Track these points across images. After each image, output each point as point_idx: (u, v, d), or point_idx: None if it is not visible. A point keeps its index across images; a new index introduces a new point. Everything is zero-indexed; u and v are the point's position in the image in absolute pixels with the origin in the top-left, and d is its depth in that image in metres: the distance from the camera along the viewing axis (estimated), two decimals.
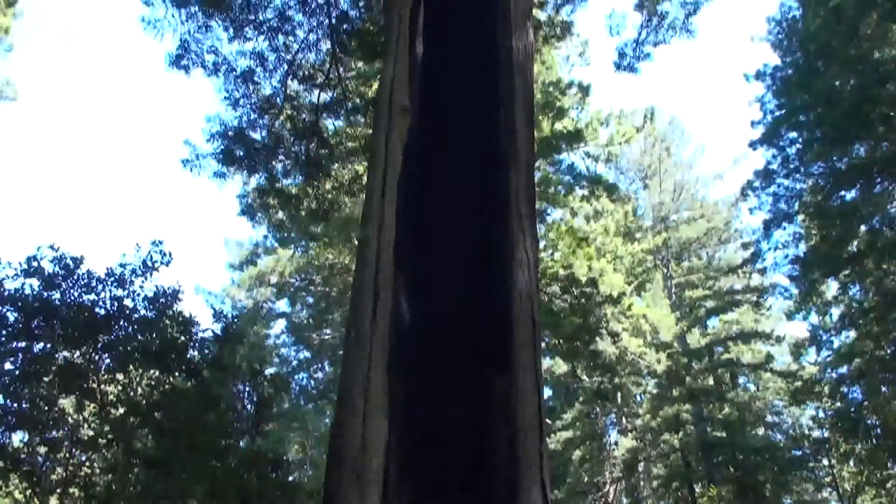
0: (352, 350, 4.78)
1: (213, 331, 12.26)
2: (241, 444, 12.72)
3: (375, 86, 13.49)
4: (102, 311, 11.06)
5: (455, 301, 4.93)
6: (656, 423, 31.70)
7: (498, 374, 4.60)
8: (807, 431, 34.09)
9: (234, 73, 13.85)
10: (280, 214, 17.83)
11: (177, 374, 11.52)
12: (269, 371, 17.12)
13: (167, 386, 11.47)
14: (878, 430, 25.98)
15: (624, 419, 34.93)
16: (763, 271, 28.50)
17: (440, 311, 4.91)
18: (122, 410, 11.35)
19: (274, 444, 18.57)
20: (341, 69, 14.16)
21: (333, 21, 13.37)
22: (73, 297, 10.94)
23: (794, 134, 24.06)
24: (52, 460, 11.30)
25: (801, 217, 24.68)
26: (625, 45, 14.42)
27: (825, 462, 32.05)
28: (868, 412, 25.49)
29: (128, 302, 11.29)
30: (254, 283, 32.47)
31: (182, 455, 10.29)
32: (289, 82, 14.38)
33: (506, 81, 5.92)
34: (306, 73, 14.36)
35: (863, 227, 22.62)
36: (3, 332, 10.47)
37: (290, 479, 15.42)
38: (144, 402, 11.27)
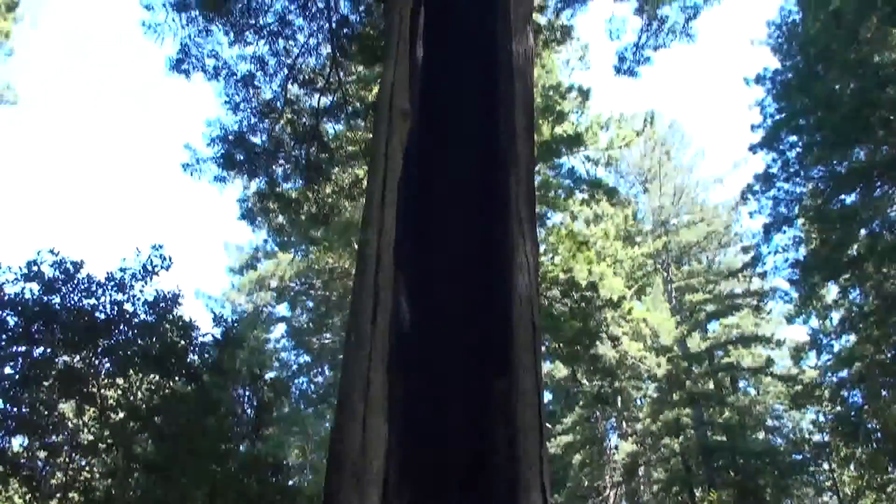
0: (352, 353, 4.77)
1: (213, 335, 12.28)
2: (241, 448, 12.71)
3: (375, 89, 13.51)
4: (102, 316, 11.08)
5: (455, 304, 4.93)
6: (656, 427, 31.68)
7: (498, 377, 4.60)
8: (807, 435, 34.03)
9: (235, 77, 13.88)
10: (280, 218, 17.84)
11: (177, 378, 11.52)
12: (269, 375, 17.10)
13: (167, 390, 11.47)
14: (879, 434, 25.95)
15: (624, 423, 34.89)
16: (763, 275, 28.56)
17: (440, 315, 4.90)
18: (121, 415, 11.36)
19: (274, 448, 18.55)
20: (341, 73, 14.18)
21: (334, 25, 13.38)
22: (73, 302, 10.96)
23: (794, 137, 24.06)
24: (51, 465, 11.30)
25: (801, 221, 24.70)
26: (625, 49, 14.45)
27: (826, 466, 32.00)
28: (868, 416, 25.47)
29: (128, 306, 11.31)
30: (254, 288, 32.47)
31: (182, 459, 10.29)
32: (289, 86, 14.41)
33: (506, 85, 5.92)
34: (307, 77, 14.37)
35: (863, 231, 22.63)
36: (3, 336, 10.48)
37: (290, 483, 15.38)
38: (144, 406, 11.28)
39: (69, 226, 74.77)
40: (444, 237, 5.22)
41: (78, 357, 11.13)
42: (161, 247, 11.60)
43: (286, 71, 14.08)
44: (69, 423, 11.41)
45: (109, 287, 11.19)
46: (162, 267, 11.59)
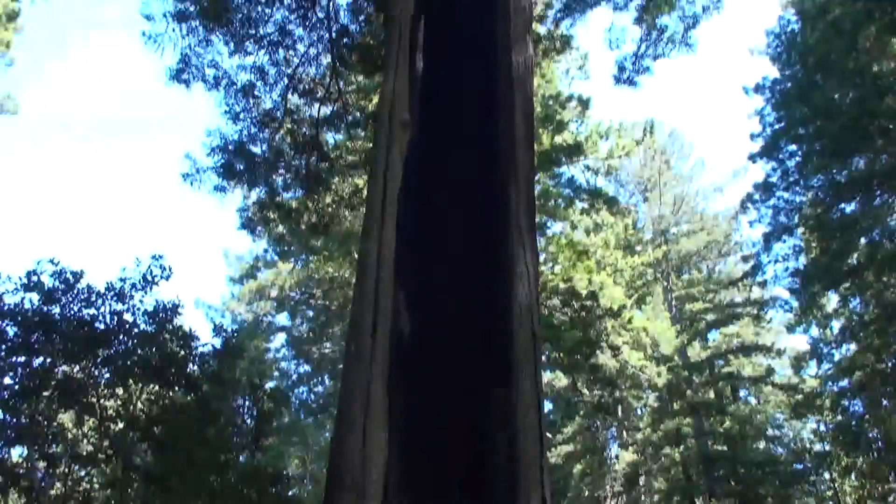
0: (351, 364, 4.76)
1: (212, 345, 12.26)
2: (240, 458, 12.69)
3: (375, 99, 13.52)
4: (102, 326, 11.05)
5: (455, 314, 4.91)
6: (657, 436, 31.61)
7: (498, 387, 4.58)
8: (808, 445, 34.01)
9: (235, 87, 13.89)
10: (280, 228, 17.84)
11: (176, 388, 11.50)
12: (269, 385, 17.08)
13: (167, 401, 11.45)
14: (880, 444, 25.94)
15: (625, 433, 34.84)
16: (763, 284, 28.55)
17: (440, 325, 4.89)
18: (121, 425, 11.33)
19: (274, 458, 18.52)
20: (341, 83, 14.19)
21: (334, 35, 13.40)
22: (72, 312, 10.94)
23: (793, 147, 24.12)
24: (51, 475, 11.26)
25: (801, 230, 24.72)
26: (624, 58, 14.46)
27: (827, 476, 31.94)
28: (869, 425, 25.46)
29: (127, 316, 11.29)
30: (254, 297, 32.46)
31: (181, 470, 10.26)
32: (289, 96, 14.42)
33: (506, 95, 5.92)
34: (306, 86, 14.38)
35: (863, 240, 22.65)
36: (3, 346, 10.46)
37: (290, 494, 15.34)
38: (144, 416, 11.25)
39: (69, 235, 74.81)
40: (444, 247, 5.21)
41: (77, 367, 11.10)
42: (161, 257, 11.60)
43: (286, 81, 14.10)
44: (68, 434, 11.38)
45: (109, 297, 11.17)
46: (162, 277, 11.57)
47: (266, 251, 30.78)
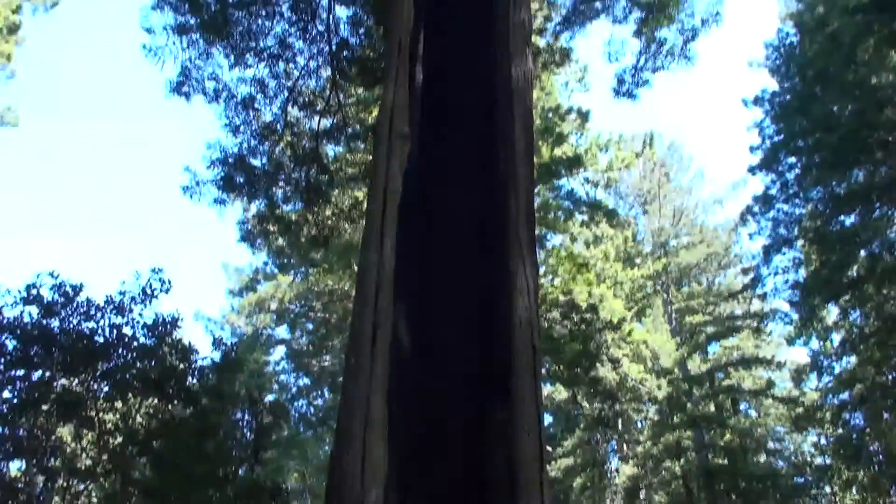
0: (351, 377, 4.74)
1: (212, 358, 12.25)
2: (239, 472, 12.65)
3: (375, 112, 13.53)
4: (101, 339, 11.04)
5: (455, 328, 4.90)
6: (657, 449, 31.50)
7: (498, 401, 4.57)
8: (809, 458, 33.88)
9: (235, 99, 13.91)
10: (280, 241, 17.85)
11: (176, 402, 11.47)
12: (269, 398, 17.06)
13: (166, 414, 11.42)
14: (881, 457, 25.85)
15: (625, 446, 34.74)
16: (763, 296, 28.50)
17: (440, 339, 4.87)
18: (120, 439, 11.30)
19: (273, 472, 18.45)
20: (341, 96, 14.22)
21: (333, 48, 13.43)
22: (72, 325, 10.93)
23: (792, 159, 24.12)
24: (49, 489, 11.22)
25: (800, 242, 24.71)
26: (624, 71, 14.47)
27: (827, 489, 31.82)
28: (870, 438, 25.37)
29: (127, 330, 11.28)
30: (253, 310, 32.43)
31: (180, 484, 10.23)
32: (289, 109, 14.44)
33: (505, 107, 5.92)
34: (306, 99, 14.41)
35: (862, 252, 22.62)
36: (2, 359, 10.44)
37: None
38: (143, 430, 11.22)
39: (69, 248, 74.76)
40: (444, 260, 5.20)
41: (76, 381, 11.08)
42: (160, 270, 11.61)
43: (286, 93, 14.12)
44: (67, 448, 11.35)
45: (108, 310, 11.17)
46: (161, 290, 11.57)
47: (266, 264, 30.77)
